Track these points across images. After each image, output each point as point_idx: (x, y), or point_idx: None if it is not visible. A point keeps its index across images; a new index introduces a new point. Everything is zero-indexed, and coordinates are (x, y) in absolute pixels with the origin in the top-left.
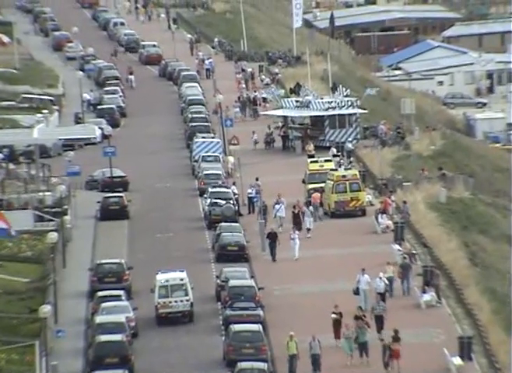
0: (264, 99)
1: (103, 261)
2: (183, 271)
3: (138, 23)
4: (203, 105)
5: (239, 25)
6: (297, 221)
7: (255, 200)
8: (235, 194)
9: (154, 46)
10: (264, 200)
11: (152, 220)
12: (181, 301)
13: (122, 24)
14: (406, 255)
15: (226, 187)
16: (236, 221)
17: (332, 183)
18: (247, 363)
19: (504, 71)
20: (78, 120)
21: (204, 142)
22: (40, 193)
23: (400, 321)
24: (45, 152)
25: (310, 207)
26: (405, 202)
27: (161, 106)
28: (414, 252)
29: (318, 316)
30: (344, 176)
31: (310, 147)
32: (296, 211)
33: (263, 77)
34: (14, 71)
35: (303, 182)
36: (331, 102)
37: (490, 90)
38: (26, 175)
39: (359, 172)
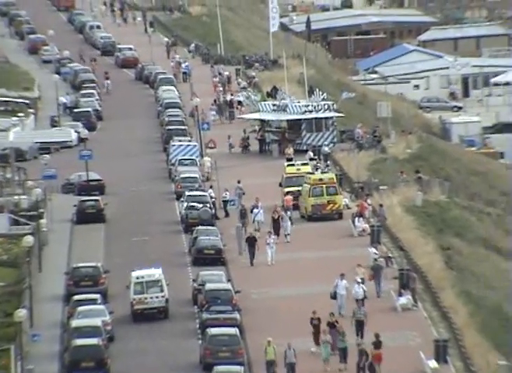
0: (240, 103)
1: (80, 265)
2: (158, 268)
3: (115, 26)
4: (180, 108)
5: (215, 28)
6: (276, 227)
7: (232, 203)
8: (212, 198)
9: (130, 49)
10: (243, 203)
11: (128, 223)
12: (157, 297)
13: (98, 27)
14: (382, 258)
15: (202, 191)
16: (213, 225)
17: (309, 186)
18: (224, 366)
19: (479, 75)
20: (54, 124)
21: (181, 146)
22: (16, 197)
23: (376, 324)
24: (21, 156)
25: (288, 213)
26: (381, 205)
27: (138, 110)
28: (390, 255)
29: (295, 320)
30: (321, 180)
31: (290, 150)
32: (276, 217)
33: (240, 80)
34: None
35: (280, 185)
36: (308, 105)
37: (465, 94)
38: (1, 178)
39: (336, 175)
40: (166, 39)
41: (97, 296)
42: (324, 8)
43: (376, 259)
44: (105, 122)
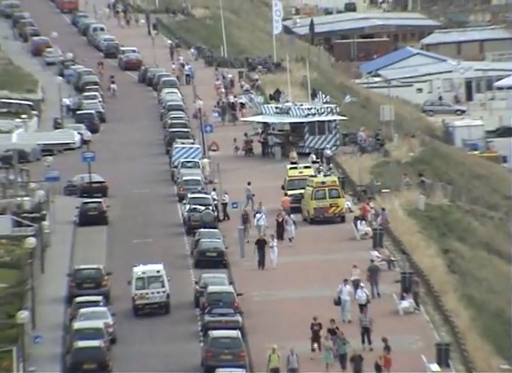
0: (242, 105)
1: (82, 267)
2: (160, 264)
3: (118, 29)
4: (183, 111)
5: (219, 31)
6: (280, 230)
7: (234, 205)
8: (214, 200)
9: (134, 51)
10: (244, 208)
11: (131, 225)
12: (158, 292)
13: (102, 29)
14: (384, 261)
15: (205, 193)
16: (216, 227)
17: (311, 189)
18: (226, 369)
19: (483, 78)
20: (57, 126)
21: (183, 148)
22: (19, 198)
23: (379, 328)
24: (24, 157)
25: (292, 216)
26: (383, 209)
27: (140, 112)
28: (392, 258)
29: (297, 323)
30: (323, 183)
31: (294, 154)
32: (280, 220)
33: (243, 83)
34: None
35: (283, 188)
36: (311, 108)
37: (468, 98)
38: (4, 180)
39: (339, 178)
40: (169, 41)
41: (99, 298)
42: (328, 11)
43: (372, 261)
44: (108, 124)
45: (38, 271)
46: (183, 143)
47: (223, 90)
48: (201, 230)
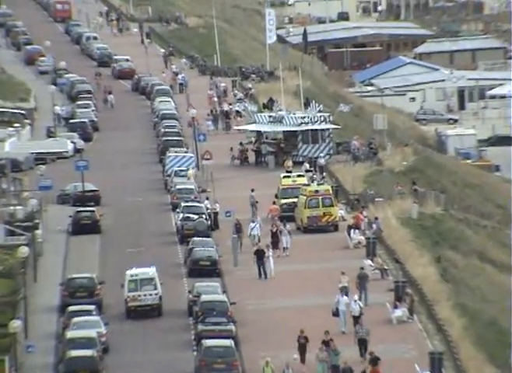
0: (238, 112)
1: (75, 276)
2: (152, 267)
3: (111, 37)
4: (176, 119)
5: (212, 40)
6: (275, 240)
7: (228, 214)
8: (208, 209)
9: (127, 60)
10: (237, 217)
11: (124, 234)
12: (150, 294)
13: (95, 38)
14: (377, 270)
15: (198, 202)
16: (209, 236)
17: (305, 198)
18: None
19: (475, 87)
20: (50, 134)
21: (177, 157)
22: (12, 207)
23: (372, 336)
24: (17, 166)
25: (288, 226)
26: (376, 218)
27: (134, 121)
28: (386, 267)
29: (291, 331)
30: (317, 191)
31: (289, 163)
32: (274, 230)
33: (236, 92)
34: None
35: (276, 197)
36: (304, 117)
37: (461, 107)
38: None
39: (332, 187)
40: (162, 50)
41: (92, 307)
42: (321, 21)
43: (362, 268)
44: (101, 133)
45: (31, 280)
46: (176, 152)
47: (216, 99)
48: (195, 239)
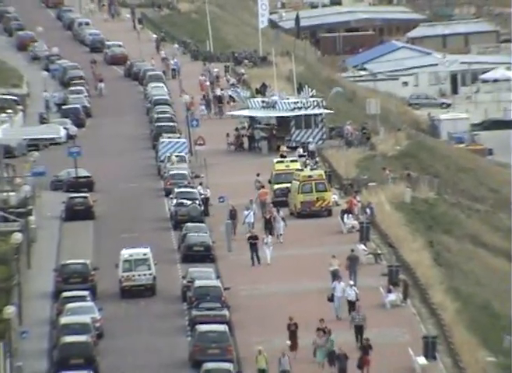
0: (232, 98)
1: (68, 262)
2: (146, 247)
3: (103, 23)
4: (169, 105)
5: (205, 25)
6: (269, 227)
7: (221, 200)
8: (201, 195)
9: (119, 46)
10: (232, 203)
11: (117, 220)
12: (144, 274)
13: (87, 24)
14: (371, 254)
15: (191, 187)
16: (203, 222)
17: (298, 183)
18: (213, 363)
19: (468, 72)
20: (42, 120)
21: (170, 142)
22: (5, 194)
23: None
24: (10, 152)
25: (281, 213)
26: (369, 203)
27: (127, 107)
28: (379, 252)
29: (285, 316)
30: (310, 177)
31: (284, 147)
32: (268, 217)
33: (229, 77)
34: None
35: (270, 182)
36: (297, 102)
37: (454, 91)
38: None
39: (325, 172)
40: (155, 35)
41: (86, 293)
42: (313, 5)
43: (353, 250)
44: (94, 119)
45: (24, 266)
46: (169, 137)
47: (208, 83)
48: (188, 224)
